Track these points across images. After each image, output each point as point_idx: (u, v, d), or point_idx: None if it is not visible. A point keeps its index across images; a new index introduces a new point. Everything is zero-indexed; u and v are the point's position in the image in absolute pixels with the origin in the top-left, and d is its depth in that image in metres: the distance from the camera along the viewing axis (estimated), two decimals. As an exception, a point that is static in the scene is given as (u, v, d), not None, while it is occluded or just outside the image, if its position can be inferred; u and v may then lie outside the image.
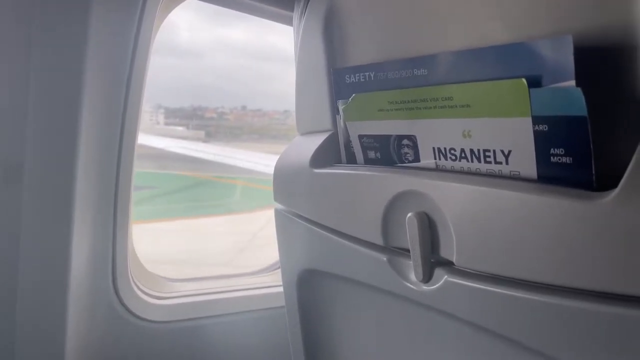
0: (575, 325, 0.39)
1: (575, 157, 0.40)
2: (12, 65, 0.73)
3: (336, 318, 0.67)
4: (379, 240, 0.55)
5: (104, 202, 0.83)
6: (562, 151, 0.41)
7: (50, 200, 0.77)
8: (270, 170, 0.71)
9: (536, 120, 0.42)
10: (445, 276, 0.48)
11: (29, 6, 0.73)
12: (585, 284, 0.38)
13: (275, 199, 0.72)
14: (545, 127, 0.41)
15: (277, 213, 0.72)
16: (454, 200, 0.47)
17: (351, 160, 0.63)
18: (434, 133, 0.51)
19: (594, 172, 0.39)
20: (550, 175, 0.42)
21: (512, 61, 0.43)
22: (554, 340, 0.41)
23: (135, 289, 0.88)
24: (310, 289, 0.69)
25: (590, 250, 0.37)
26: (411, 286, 0.52)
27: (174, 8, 0.88)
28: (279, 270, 0.75)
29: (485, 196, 0.44)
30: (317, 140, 0.66)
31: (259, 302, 0.97)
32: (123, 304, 0.86)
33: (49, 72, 0.75)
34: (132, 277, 0.88)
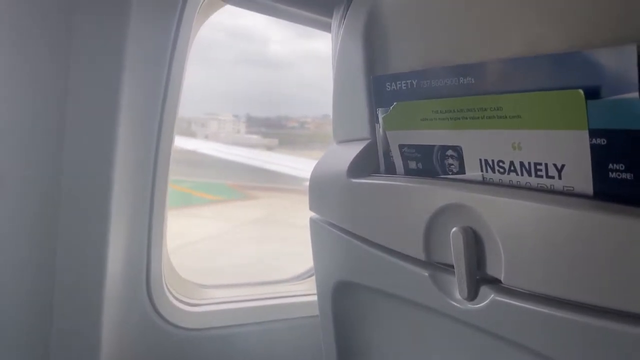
0: (632, 353, 0.37)
1: (637, 174, 0.38)
2: (52, 68, 0.74)
3: (372, 332, 0.65)
4: (421, 255, 0.53)
5: (139, 209, 0.82)
6: (622, 167, 0.39)
7: (87, 206, 0.77)
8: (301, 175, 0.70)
9: (594, 133, 0.39)
10: (492, 295, 0.46)
11: (69, 9, 0.73)
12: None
13: (311, 208, 0.71)
14: (604, 141, 0.39)
15: (312, 222, 0.70)
16: (502, 215, 0.45)
17: (390, 170, 0.61)
18: (481, 144, 0.49)
19: (657, 189, 0.37)
20: (608, 192, 0.40)
21: (568, 71, 0.41)
22: None
23: (169, 296, 0.88)
24: (345, 300, 0.67)
25: None
26: (455, 304, 0.50)
27: (212, 13, 0.88)
28: (313, 277, 0.73)
29: (536, 212, 0.42)
30: (355, 149, 0.65)
31: (293, 310, 0.95)
32: (157, 312, 0.85)
33: (88, 74, 0.75)
34: (166, 284, 0.88)
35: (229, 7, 0.89)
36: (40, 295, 0.76)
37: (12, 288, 0.75)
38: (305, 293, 1.00)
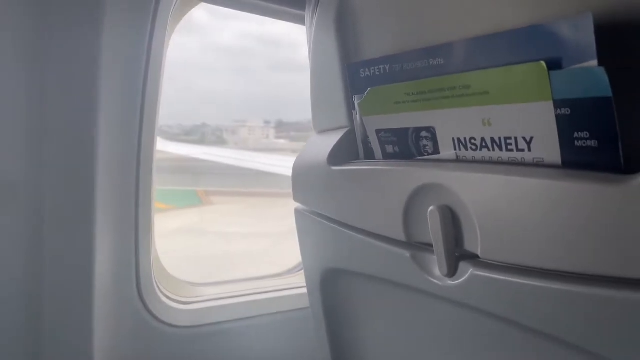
0: (608, 315, 0.38)
1: (601, 140, 0.39)
2: (26, 77, 0.74)
3: (361, 316, 0.66)
4: (401, 236, 0.54)
5: (125, 209, 0.83)
6: (587, 134, 0.39)
7: (71, 208, 0.78)
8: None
9: (558, 103, 0.40)
10: (471, 269, 0.47)
11: (41, 15, 0.73)
12: (618, 272, 0.37)
13: (295, 199, 0.71)
14: (568, 111, 0.40)
15: (297, 213, 0.71)
16: (476, 191, 0.46)
17: (369, 156, 0.62)
18: (453, 123, 0.49)
19: (621, 154, 0.38)
20: (575, 160, 0.41)
21: (530, 44, 0.41)
22: (585, 331, 0.39)
23: (160, 294, 0.88)
24: (334, 288, 0.68)
25: (621, 236, 0.36)
26: (436, 281, 0.51)
27: (188, 12, 0.88)
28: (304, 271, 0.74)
29: (508, 185, 0.43)
30: (334, 137, 0.65)
31: (285, 303, 0.96)
32: (148, 310, 0.86)
33: (63, 79, 0.75)
34: (156, 282, 0.88)
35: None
36: (30, 300, 0.77)
37: (0, 295, 0.76)
38: (298, 286, 1.00)
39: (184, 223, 5.24)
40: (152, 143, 0.84)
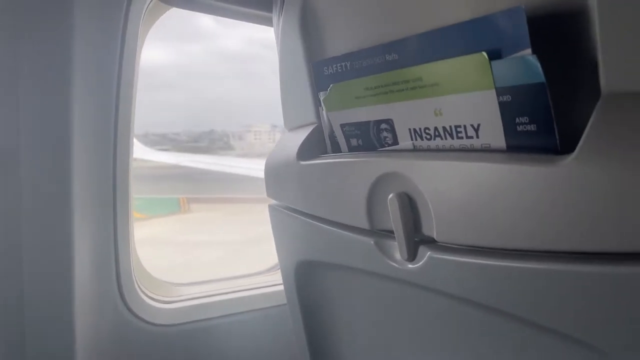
0: (557, 288, 0.40)
1: (539, 124, 0.41)
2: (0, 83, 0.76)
3: (334, 305, 0.68)
4: (365, 224, 0.56)
5: (102, 209, 0.84)
6: (526, 119, 0.42)
7: (48, 209, 0.79)
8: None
9: (500, 91, 0.43)
10: (428, 253, 0.49)
11: (12, 22, 0.75)
12: (560, 246, 0.39)
13: (268, 195, 0.74)
14: (508, 98, 0.43)
15: (271, 208, 0.73)
16: (430, 177, 0.48)
17: (336, 150, 0.64)
18: (409, 115, 0.52)
19: (557, 137, 0.40)
20: (518, 145, 0.43)
21: (473, 37, 0.44)
22: (538, 305, 0.42)
23: (141, 293, 0.90)
24: (307, 279, 0.70)
25: (558, 212, 0.38)
26: (398, 266, 0.53)
27: (159, 17, 0.90)
28: None
29: (458, 170, 0.45)
30: (304, 134, 0.68)
31: (265, 300, 0.98)
32: (129, 309, 0.87)
33: (36, 85, 0.77)
34: (137, 282, 0.90)
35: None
36: (10, 300, 0.78)
37: None
38: (278, 283, 1.02)
39: (152, 232, 5.17)
40: (128, 142, 0.86)
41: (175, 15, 0.94)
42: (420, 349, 0.58)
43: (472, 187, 0.44)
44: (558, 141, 0.40)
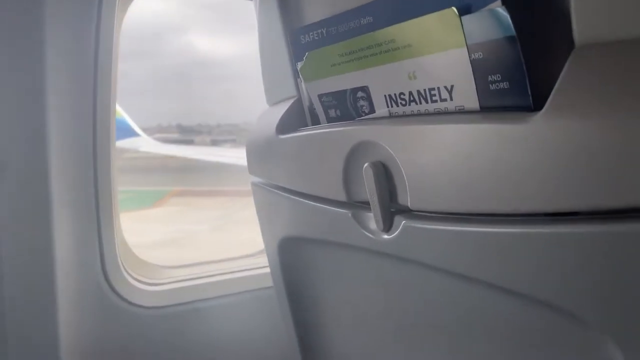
0: (535, 252, 0.38)
1: (511, 81, 0.39)
2: None
3: (318, 281, 0.67)
4: (342, 197, 0.54)
5: (83, 189, 0.83)
6: (498, 77, 0.40)
7: (26, 190, 0.78)
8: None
9: (472, 48, 0.41)
10: (403, 222, 0.47)
11: None
12: (536, 207, 0.37)
13: (250, 172, 0.72)
14: (480, 55, 0.40)
15: (253, 186, 0.72)
16: (403, 144, 0.46)
17: (316, 123, 0.63)
18: (384, 80, 0.50)
19: (530, 94, 0.38)
20: (491, 105, 0.41)
21: (444, -8, 0.42)
22: (516, 271, 0.40)
23: (127, 276, 0.89)
24: (291, 256, 0.69)
25: (531, 171, 0.36)
26: (373, 237, 0.51)
27: (130, 3, 0.88)
28: None
29: (430, 134, 0.44)
30: (284, 107, 0.66)
31: (255, 282, 0.97)
32: (115, 291, 0.86)
33: (8, 76, 0.75)
34: (122, 264, 0.89)
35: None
36: None
37: None
38: (265, 265, 1.00)
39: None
40: (108, 122, 0.84)
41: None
42: (399, 321, 0.56)
43: (444, 150, 0.42)
44: (531, 98, 0.38)
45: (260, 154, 0.69)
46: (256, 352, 0.96)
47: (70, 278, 0.82)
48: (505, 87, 0.40)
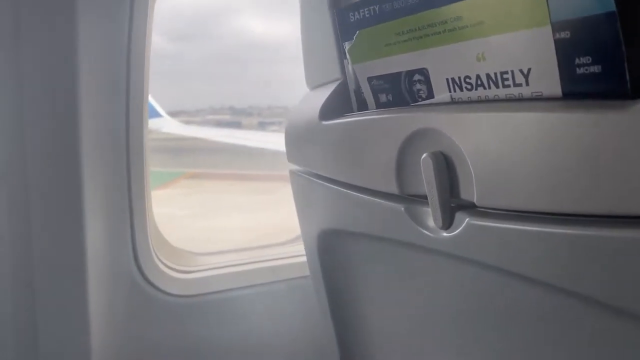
0: (619, 259, 0.34)
1: (605, 64, 0.34)
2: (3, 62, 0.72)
3: (360, 276, 0.63)
4: (395, 189, 0.50)
5: (115, 174, 0.80)
6: (588, 59, 0.35)
7: (57, 177, 0.75)
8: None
9: (556, 27, 0.36)
10: (467, 219, 0.43)
11: (13, 4, 0.71)
12: (623, 209, 0.33)
13: (289, 159, 0.68)
14: (567, 34, 0.36)
15: (292, 174, 0.68)
16: (470, 133, 0.42)
17: (362, 107, 0.58)
18: (446, 62, 0.45)
19: (628, 78, 0.33)
20: (577, 90, 0.37)
21: (525, -38, 0.37)
22: (596, 279, 0.36)
23: (159, 263, 0.87)
24: (331, 249, 0.65)
25: (626, 169, 0.32)
26: (431, 234, 0.47)
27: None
28: None
29: (504, 123, 0.39)
30: (327, 91, 0.62)
31: (289, 271, 0.94)
32: (147, 279, 0.84)
33: (40, 62, 0.73)
34: (154, 252, 0.86)
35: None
36: (19, 273, 0.75)
37: None
38: (300, 253, 0.97)
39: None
40: (141, 107, 0.81)
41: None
42: (451, 324, 0.52)
43: (521, 141, 0.38)
44: (629, 84, 0.33)
45: (301, 140, 0.65)
46: (289, 343, 0.93)
47: (102, 266, 0.80)
48: (597, 71, 0.35)
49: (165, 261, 0.88)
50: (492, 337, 0.48)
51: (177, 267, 0.89)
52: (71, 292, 0.77)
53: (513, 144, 0.38)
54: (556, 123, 0.36)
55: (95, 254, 0.78)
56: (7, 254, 0.75)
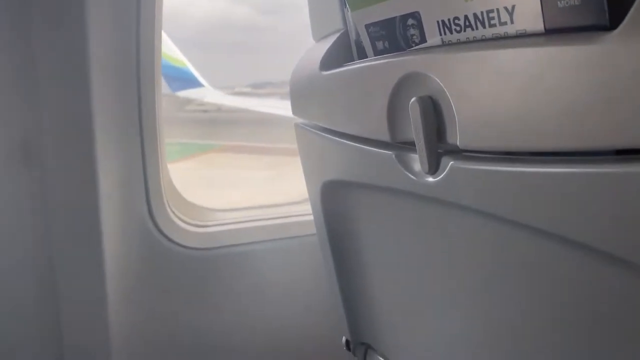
0: (602, 196, 0.33)
1: (584, -4, 0.33)
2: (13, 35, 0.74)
3: (359, 227, 0.64)
4: (386, 137, 0.50)
5: (127, 129, 0.82)
6: (569, -9, 0.34)
7: (70, 129, 0.77)
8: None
9: (538, -41, 0.35)
10: (451, 163, 0.43)
11: None
12: (607, 143, 0.31)
13: (293, 112, 0.68)
14: (548, -34, 0.34)
15: (297, 127, 0.68)
16: (455, 74, 0.41)
17: (362, 57, 0.58)
18: (436, 4, 0.44)
19: (606, 9, 0.32)
20: (559, 26, 0.35)
21: None
22: (574, 216, 0.35)
23: (173, 216, 0.89)
24: (333, 201, 0.65)
25: (605, 100, 0.31)
26: (417, 179, 0.47)
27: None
28: None
29: (486, 62, 0.38)
30: (329, 42, 0.61)
31: (301, 228, 0.94)
32: (160, 231, 0.86)
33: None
34: (168, 205, 0.88)
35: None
36: (38, 232, 0.78)
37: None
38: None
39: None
40: (153, 58, 0.82)
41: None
42: (441, 268, 0.52)
43: (501, 80, 0.37)
44: (608, 15, 0.32)
45: (304, 92, 0.65)
46: (299, 298, 0.95)
47: (116, 216, 0.83)
48: (577, 3, 0.34)
49: (178, 214, 0.90)
50: (478, 282, 0.48)
51: (191, 221, 0.91)
52: (87, 243, 0.80)
53: (495, 83, 0.38)
54: (535, 58, 0.35)
55: (109, 204, 0.80)
56: (25, 208, 0.77)
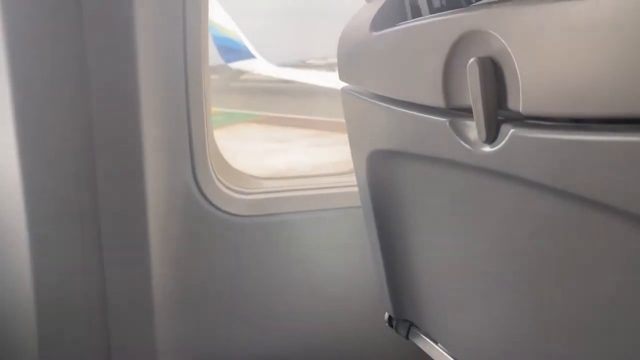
0: None
1: None
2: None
3: (406, 199, 0.60)
4: (440, 102, 0.46)
5: (173, 97, 0.81)
6: None
7: (115, 96, 0.77)
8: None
9: None
10: (512, 130, 0.39)
11: None
12: None
13: (340, 77, 0.65)
14: None
15: (343, 93, 0.65)
16: (520, 31, 0.37)
17: (417, 15, 0.54)
18: None
19: None
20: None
21: None
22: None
23: (218, 183, 0.88)
24: (379, 171, 0.62)
25: None
26: (472, 149, 0.43)
27: None
28: None
29: (556, 15, 0.34)
30: (381, 1, 0.57)
31: (345, 199, 0.92)
32: (205, 197, 0.85)
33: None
34: (214, 171, 0.87)
35: None
36: (82, 196, 0.78)
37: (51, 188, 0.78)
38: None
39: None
40: (199, 24, 0.80)
41: None
42: (493, 246, 0.48)
43: (575, 36, 0.33)
44: None
45: (352, 55, 0.62)
46: (341, 271, 0.93)
47: (161, 182, 0.82)
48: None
49: (223, 180, 0.89)
50: (534, 261, 0.44)
51: (235, 188, 0.90)
52: (132, 208, 0.80)
53: (568, 38, 0.33)
54: (619, 8, 0.30)
55: (154, 170, 0.80)
56: (70, 175, 0.78)
